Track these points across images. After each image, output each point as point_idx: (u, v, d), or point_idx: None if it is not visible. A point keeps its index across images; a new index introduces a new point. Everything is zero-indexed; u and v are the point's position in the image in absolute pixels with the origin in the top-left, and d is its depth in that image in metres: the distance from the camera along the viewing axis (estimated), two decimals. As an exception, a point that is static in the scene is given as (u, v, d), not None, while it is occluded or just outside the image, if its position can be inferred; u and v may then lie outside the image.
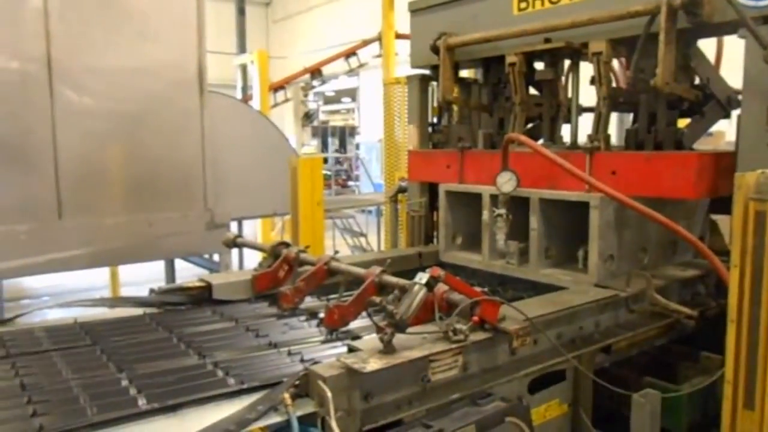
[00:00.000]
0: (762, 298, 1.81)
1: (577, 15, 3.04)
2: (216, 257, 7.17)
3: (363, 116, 20.47)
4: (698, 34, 2.91)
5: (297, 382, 1.84)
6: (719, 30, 2.76)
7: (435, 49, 3.74)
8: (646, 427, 2.09)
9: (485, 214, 3.35)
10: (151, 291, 2.95)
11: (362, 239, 10.36)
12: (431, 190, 4.07)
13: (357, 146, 21.84)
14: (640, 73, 3.01)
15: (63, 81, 4.69)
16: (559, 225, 3.16)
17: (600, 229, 2.85)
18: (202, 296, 2.93)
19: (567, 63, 3.58)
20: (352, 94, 24.50)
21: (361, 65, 11.00)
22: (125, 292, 8.05)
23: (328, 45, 16.98)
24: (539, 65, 3.57)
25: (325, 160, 18.67)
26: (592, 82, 3.44)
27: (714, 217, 3.48)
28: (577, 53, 3.28)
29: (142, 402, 1.78)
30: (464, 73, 4.31)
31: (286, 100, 11.13)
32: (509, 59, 3.41)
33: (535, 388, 2.40)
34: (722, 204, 3.40)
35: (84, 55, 4.79)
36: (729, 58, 3.47)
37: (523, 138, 2.96)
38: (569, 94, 3.62)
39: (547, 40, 3.27)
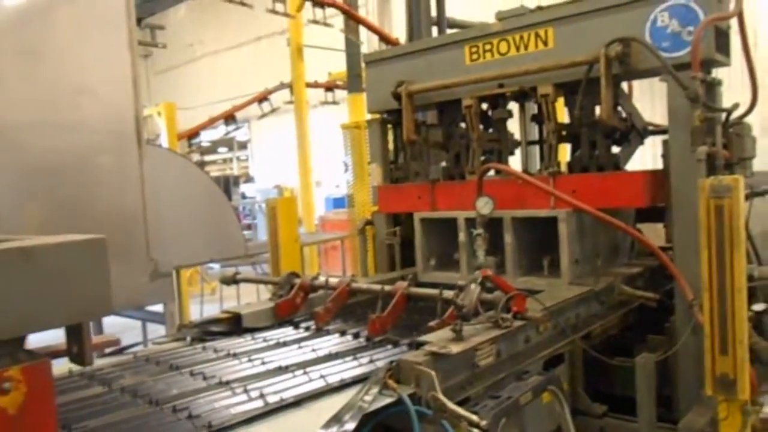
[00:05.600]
0: (725, 269, 2.44)
1: (527, 64, 3.69)
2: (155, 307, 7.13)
3: (256, 164, 20.58)
4: (627, 77, 3.66)
5: (390, 371, 2.19)
6: (644, 74, 3.51)
7: (396, 95, 4.27)
8: (647, 383, 2.65)
9: (462, 236, 3.85)
10: (181, 327, 3.14)
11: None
12: (395, 220, 4.55)
13: (243, 195, 21.81)
14: (581, 110, 3.69)
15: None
16: (527, 239, 3.74)
17: (568, 238, 3.45)
18: (231, 327, 3.16)
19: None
20: (228, 143, 24.46)
21: (273, 110, 11.39)
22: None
23: (217, 96, 17.12)
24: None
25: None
26: (533, 119, 4.14)
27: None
28: (526, 95, 3.94)
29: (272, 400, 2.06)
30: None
31: (199, 148, 11.24)
32: (465, 102, 4.01)
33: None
34: (644, 215, 4.21)
35: (21, 111, 4.78)
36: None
37: (502, 165, 3.52)
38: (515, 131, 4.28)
39: (501, 85, 3.91)
